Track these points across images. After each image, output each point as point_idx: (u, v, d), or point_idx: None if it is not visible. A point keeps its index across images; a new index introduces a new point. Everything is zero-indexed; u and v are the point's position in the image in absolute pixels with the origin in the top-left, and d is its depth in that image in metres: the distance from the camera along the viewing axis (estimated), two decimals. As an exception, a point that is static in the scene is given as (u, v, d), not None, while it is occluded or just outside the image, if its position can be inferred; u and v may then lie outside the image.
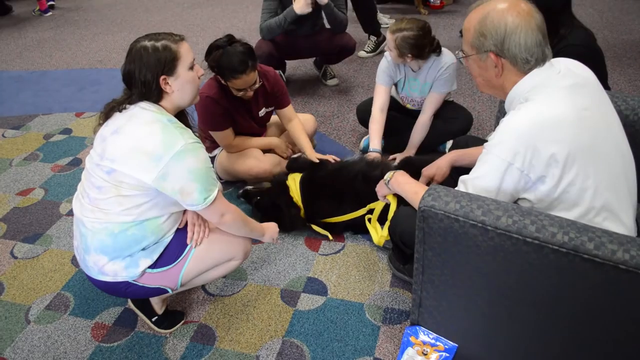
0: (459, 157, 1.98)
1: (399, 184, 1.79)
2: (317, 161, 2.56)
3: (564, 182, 1.35)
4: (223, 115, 2.53)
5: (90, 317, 2.06)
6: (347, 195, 2.38)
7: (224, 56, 2.32)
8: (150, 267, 1.73)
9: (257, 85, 2.46)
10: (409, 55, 2.57)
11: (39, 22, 5.81)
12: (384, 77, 2.78)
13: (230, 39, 2.37)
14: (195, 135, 1.69)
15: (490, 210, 1.32)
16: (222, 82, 2.44)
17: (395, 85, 2.87)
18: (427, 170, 2.03)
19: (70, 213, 2.65)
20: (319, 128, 3.24)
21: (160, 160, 1.54)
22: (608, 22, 4.90)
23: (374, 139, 2.76)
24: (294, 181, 2.48)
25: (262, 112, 2.71)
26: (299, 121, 2.75)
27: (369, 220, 2.30)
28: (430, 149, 2.95)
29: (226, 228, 1.79)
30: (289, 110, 2.73)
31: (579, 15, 2.35)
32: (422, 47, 2.56)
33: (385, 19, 5.05)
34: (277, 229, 2.06)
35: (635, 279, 1.18)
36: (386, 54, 2.73)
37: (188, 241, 1.78)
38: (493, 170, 1.38)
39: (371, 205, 2.30)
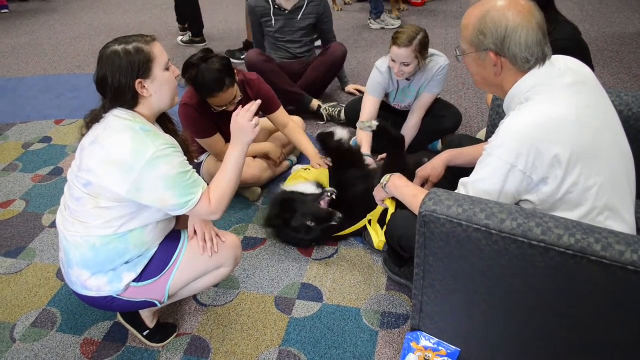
0: (454, 157, 1.96)
1: (396, 188, 1.75)
2: (320, 167, 2.51)
3: (567, 183, 1.33)
4: (206, 120, 2.44)
5: (79, 333, 1.99)
6: (355, 209, 2.27)
7: (199, 75, 2.23)
8: (135, 280, 1.67)
9: (238, 99, 2.38)
10: (423, 57, 2.53)
11: (14, 27, 5.66)
12: (377, 89, 2.70)
13: (205, 55, 2.27)
14: (179, 136, 1.64)
15: (494, 214, 1.29)
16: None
17: (387, 95, 2.81)
18: (422, 171, 2.00)
19: (54, 225, 2.57)
20: (305, 129, 3.18)
21: (132, 171, 1.48)
22: (588, 15, 4.93)
23: (364, 146, 2.68)
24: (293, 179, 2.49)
25: None
26: (295, 124, 2.67)
27: (369, 222, 2.25)
28: (421, 147, 2.92)
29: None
30: (280, 114, 2.64)
31: (559, 9, 2.34)
32: (428, 45, 2.55)
33: (391, 20, 4.91)
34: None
35: (644, 279, 1.16)
36: (379, 65, 2.66)
37: (201, 251, 1.74)
38: (495, 173, 1.35)
39: (371, 214, 2.24)
